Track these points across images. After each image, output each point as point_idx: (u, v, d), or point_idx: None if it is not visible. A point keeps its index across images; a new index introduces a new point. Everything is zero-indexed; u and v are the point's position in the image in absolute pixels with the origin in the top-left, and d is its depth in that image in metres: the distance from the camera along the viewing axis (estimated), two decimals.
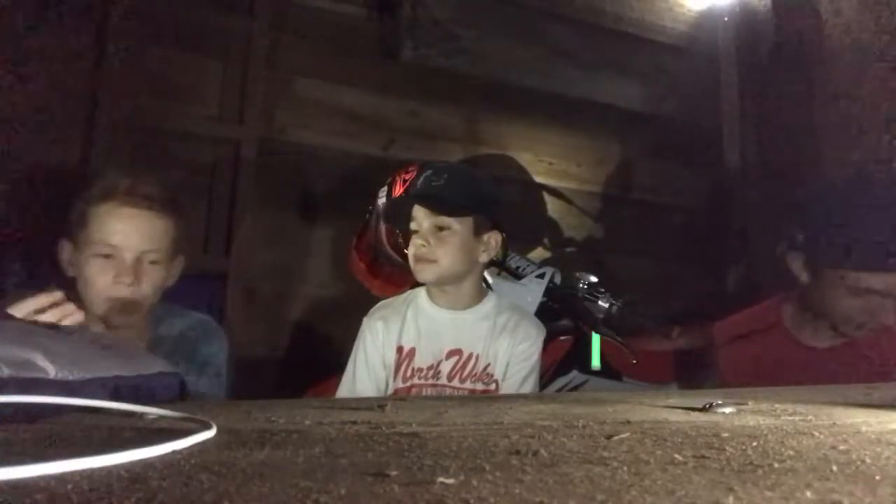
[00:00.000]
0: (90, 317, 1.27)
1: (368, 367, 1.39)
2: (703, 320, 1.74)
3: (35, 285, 1.49)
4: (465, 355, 1.38)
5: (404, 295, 1.47)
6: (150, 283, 1.26)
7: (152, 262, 1.27)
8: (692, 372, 1.68)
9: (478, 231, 1.38)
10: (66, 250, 1.28)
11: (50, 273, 1.33)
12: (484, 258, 1.40)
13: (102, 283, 1.22)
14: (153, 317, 1.34)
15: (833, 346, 1.46)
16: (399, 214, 1.41)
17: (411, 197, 1.40)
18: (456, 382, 1.36)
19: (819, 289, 1.48)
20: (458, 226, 1.35)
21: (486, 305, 1.42)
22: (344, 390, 1.39)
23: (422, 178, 1.41)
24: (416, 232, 1.37)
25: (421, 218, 1.36)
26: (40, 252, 1.53)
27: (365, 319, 1.43)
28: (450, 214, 1.34)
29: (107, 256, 1.23)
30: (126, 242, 1.23)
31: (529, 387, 1.37)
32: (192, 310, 1.42)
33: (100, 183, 1.28)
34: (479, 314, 1.41)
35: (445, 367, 1.37)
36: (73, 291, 1.29)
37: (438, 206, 1.35)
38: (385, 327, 1.40)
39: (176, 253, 1.34)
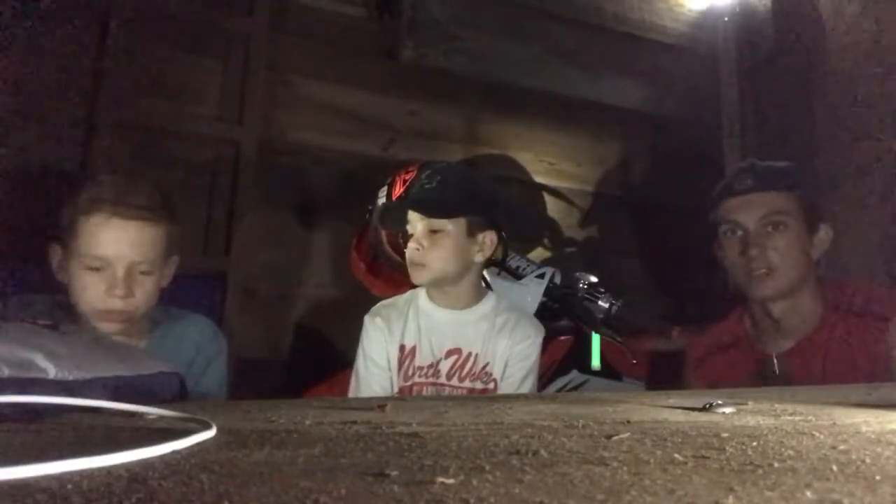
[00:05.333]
0: (83, 320, 1.27)
1: (373, 365, 1.39)
2: (703, 321, 1.74)
3: (34, 287, 1.49)
4: (464, 354, 1.38)
5: (406, 294, 1.48)
6: (142, 294, 1.24)
7: (143, 273, 1.24)
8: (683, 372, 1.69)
9: (471, 231, 1.38)
10: (56, 255, 1.27)
11: (50, 274, 1.33)
12: (479, 258, 1.41)
13: (94, 295, 1.21)
14: (151, 319, 1.34)
15: (783, 350, 1.48)
16: (394, 218, 1.43)
17: (403, 202, 1.43)
18: (455, 381, 1.37)
19: (723, 260, 1.54)
20: (452, 227, 1.36)
21: (486, 305, 1.43)
22: (352, 390, 1.40)
23: (417, 182, 1.43)
24: (412, 235, 1.38)
25: (415, 221, 1.37)
26: (41, 253, 1.52)
27: (367, 317, 1.44)
28: (440, 217, 1.36)
29: (97, 269, 1.21)
30: (116, 255, 1.21)
31: (528, 386, 1.37)
32: (192, 310, 1.42)
33: (87, 188, 1.25)
34: (478, 314, 1.42)
35: (444, 366, 1.38)
36: (64, 296, 1.29)
37: (429, 209, 1.36)
38: (387, 325, 1.41)
39: (169, 255, 1.32)
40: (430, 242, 1.35)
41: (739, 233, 1.48)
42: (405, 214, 1.39)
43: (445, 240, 1.36)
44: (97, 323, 1.23)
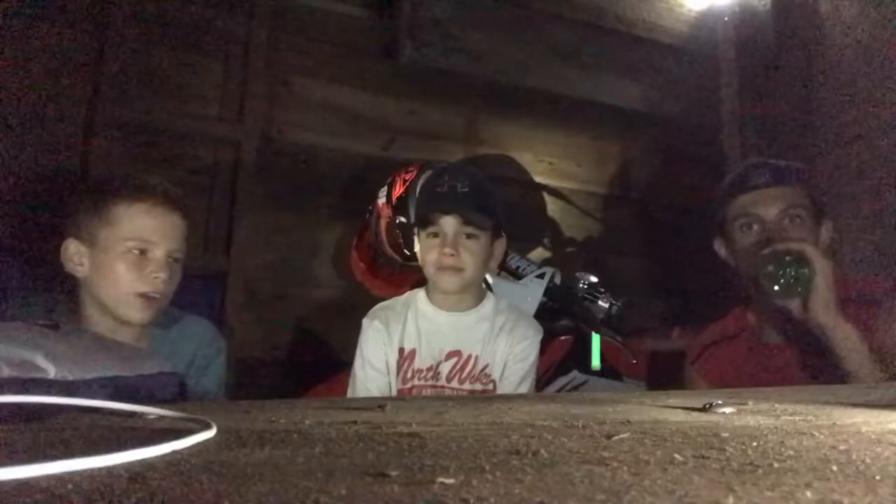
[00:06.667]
0: (95, 316, 1.28)
1: (371, 368, 1.38)
2: (703, 321, 1.74)
3: (35, 286, 1.50)
4: (464, 356, 1.38)
5: (403, 297, 1.47)
6: (173, 281, 1.32)
7: (175, 260, 1.32)
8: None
9: (492, 239, 1.39)
10: (72, 249, 1.28)
11: (50, 273, 1.33)
12: (493, 264, 1.41)
13: (135, 277, 1.26)
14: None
15: (782, 342, 1.49)
16: (428, 218, 1.37)
17: (451, 207, 1.33)
18: (455, 383, 1.37)
19: (734, 257, 1.54)
20: (483, 234, 1.36)
21: (485, 307, 1.42)
22: (349, 393, 1.40)
23: (446, 183, 1.36)
24: (434, 236, 1.35)
25: (447, 225, 1.33)
26: (41, 252, 1.52)
27: (365, 321, 1.42)
28: (486, 225, 1.34)
29: (142, 252, 1.27)
30: (161, 240, 1.29)
31: (526, 387, 1.37)
32: (192, 310, 1.43)
33: (128, 183, 1.31)
34: (478, 315, 1.41)
35: (445, 369, 1.37)
36: (74, 292, 1.29)
37: (475, 215, 1.33)
38: (386, 328, 1.40)
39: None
40: (463, 249, 1.33)
41: (756, 227, 1.48)
42: (433, 215, 1.35)
43: (478, 246, 1.34)
44: (126, 311, 1.27)
